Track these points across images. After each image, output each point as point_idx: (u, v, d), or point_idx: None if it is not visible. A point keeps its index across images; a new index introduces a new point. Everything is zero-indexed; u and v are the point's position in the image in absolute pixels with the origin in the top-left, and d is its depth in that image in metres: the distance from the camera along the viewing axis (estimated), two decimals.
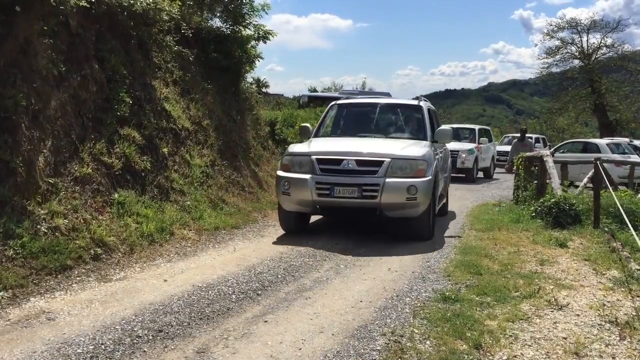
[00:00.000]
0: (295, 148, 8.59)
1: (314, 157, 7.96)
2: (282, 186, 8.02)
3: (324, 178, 7.78)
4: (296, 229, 8.47)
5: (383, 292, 5.46)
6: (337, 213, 8.46)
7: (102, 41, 8.15)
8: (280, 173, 8.23)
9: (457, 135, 18.77)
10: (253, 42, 13.15)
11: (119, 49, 8.55)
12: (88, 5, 7.29)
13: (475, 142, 19.85)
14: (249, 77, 14.80)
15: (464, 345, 4.04)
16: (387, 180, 7.59)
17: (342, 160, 7.80)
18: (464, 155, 18.49)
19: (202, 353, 3.88)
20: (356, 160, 7.76)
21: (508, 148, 19.33)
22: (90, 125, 7.45)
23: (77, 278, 5.54)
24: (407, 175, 7.68)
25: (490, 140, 21.59)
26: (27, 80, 6.37)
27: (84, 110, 7.39)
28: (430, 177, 7.84)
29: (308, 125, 9.72)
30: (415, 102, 9.94)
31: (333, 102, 10.38)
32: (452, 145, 15.44)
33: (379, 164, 7.71)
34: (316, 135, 9.38)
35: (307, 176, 7.81)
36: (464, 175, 18.85)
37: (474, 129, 21.32)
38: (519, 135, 16.91)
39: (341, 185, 7.68)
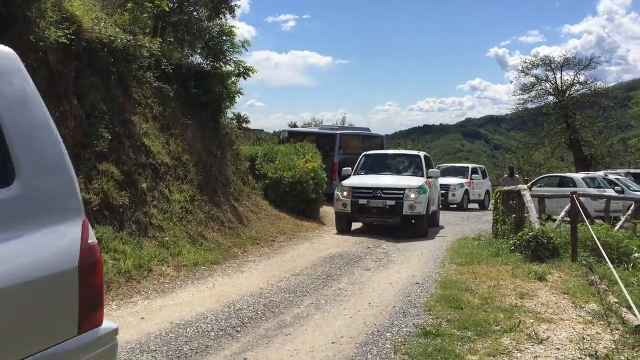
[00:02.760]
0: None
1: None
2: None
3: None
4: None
5: (364, 327, 5.42)
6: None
7: (82, 77, 8.16)
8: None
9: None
10: (233, 78, 13.28)
11: (98, 84, 8.56)
12: (68, 42, 7.31)
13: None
14: (230, 113, 14.94)
15: None
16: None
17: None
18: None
19: None
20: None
21: None
22: None
23: None
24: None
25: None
26: None
27: None
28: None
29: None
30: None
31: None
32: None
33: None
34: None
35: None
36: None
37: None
38: (508, 172, 20.85)
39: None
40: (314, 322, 5.59)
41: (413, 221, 12.84)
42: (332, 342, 4.92)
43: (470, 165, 25.23)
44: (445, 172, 22.58)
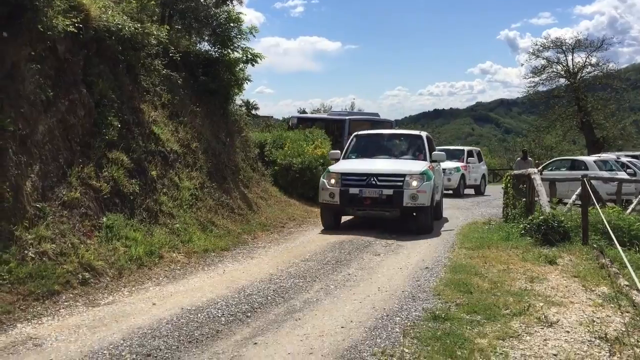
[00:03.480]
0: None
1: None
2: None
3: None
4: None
5: (373, 311, 5.44)
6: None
7: (90, 66, 8.18)
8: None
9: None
10: (241, 65, 13.24)
11: (107, 73, 8.58)
12: (76, 31, 7.32)
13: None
14: (238, 100, 14.90)
15: None
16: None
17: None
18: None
19: None
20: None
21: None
22: (79, 149, 7.44)
23: (65, 303, 5.49)
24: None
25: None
26: (15, 106, 6.37)
27: (72, 135, 7.39)
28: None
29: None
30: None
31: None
32: (386, 166, 17.63)
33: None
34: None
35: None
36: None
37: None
38: (521, 155, 21.18)
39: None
40: (323, 307, 5.62)
41: (415, 214, 10.91)
42: (342, 327, 4.95)
43: (466, 148, 23.71)
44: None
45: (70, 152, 7.27)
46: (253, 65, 13.37)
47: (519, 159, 20.70)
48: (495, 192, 20.70)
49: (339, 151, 12.46)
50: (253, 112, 17.11)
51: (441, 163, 13.87)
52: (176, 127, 10.48)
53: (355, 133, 13.27)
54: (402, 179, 10.68)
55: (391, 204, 10.62)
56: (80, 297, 5.72)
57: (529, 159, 20.05)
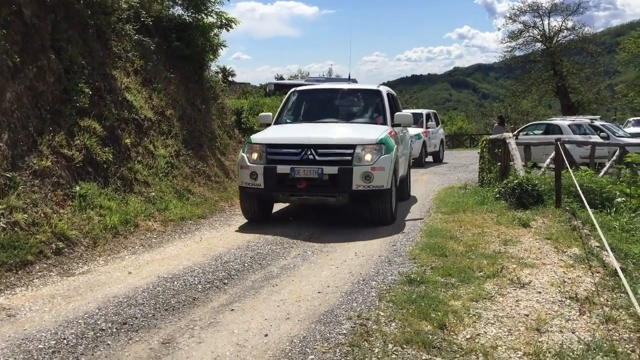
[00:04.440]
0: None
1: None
2: None
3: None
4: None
5: (349, 276, 5.49)
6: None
7: (59, 31, 7.95)
8: None
9: (332, 110, 18.05)
10: (216, 30, 13.00)
11: (76, 38, 8.35)
12: None
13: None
14: (214, 66, 14.67)
15: (429, 326, 4.08)
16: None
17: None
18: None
19: (167, 344, 3.85)
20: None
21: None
22: (49, 117, 7.28)
23: (39, 273, 5.43)
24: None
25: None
26: None
27: (41, 102, 7.22)
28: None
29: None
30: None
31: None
32: (329, 133, 13.53)
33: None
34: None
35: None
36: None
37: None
38: (497, 120, 21.31)
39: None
40: (300, 273, 5.65)
41: (370, 201, 8.03)
42: (318, 292, 4.99)
43: (424, 111, 21.69)
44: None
45: (40, 120, 7.10)
46: (228, 30, 13.15)
47: (496, 124, 21.02)
48: (471, 157, 20.83)
49: (270, 114, 9.60)
50: (230, 78, 16.92)
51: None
52: (150, 94, 10.30)
53: (294, 89, 10.31)
54: (352, 151, 7.77)
55: (336, 187, 7.71)
56: (55, 267, 5.67)
57: (506, 124, 20.33)
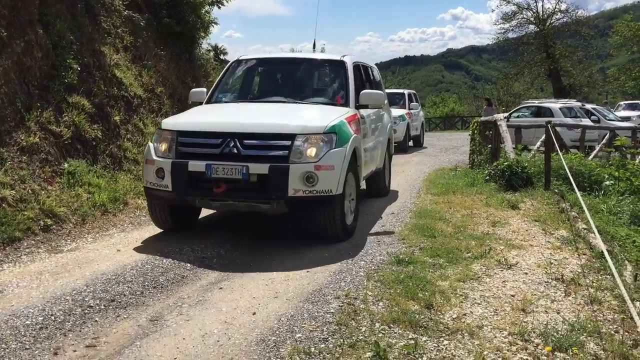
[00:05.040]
0: None
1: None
2: None
3: None
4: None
5: (338, 256, 5.50)
6: None
7: (47, 5, 7.83)
8: None
9: (281, 86, 15.50)
10: (207, 7, 12.88)
11: (64, 13, 8.24)
12: None
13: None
14: (205, 44, 14.56)
15: (416, 306, 4.11)
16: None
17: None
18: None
19: (155, 321, 3.86)
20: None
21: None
22: (37, 92, 7.20)
23: (27, 250, 5.41)
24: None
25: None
26: None
27: (29, 78, 7.13)
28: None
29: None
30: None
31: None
32: (262, 118, 10.47)
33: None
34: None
35: None
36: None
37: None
38: (486, 103, 21.45)
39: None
40: (287, 253, 5.66)
41: (310, 209, 5.82)
42: (307, 271, 5.00)
43: (406, 91, 19.70)
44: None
45: (27, 95, 7.02)
46: (219, 7, 13.07)
47: (485, 106, 21.27)
48: (462, 139, 20.84)
49: (204, 89, 7.38)
50: (221, 57, 16.74)
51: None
52: (140, 71, 10.20)
53: (238, 57, 7.97)
54: (289, 143, 5.61)
55: (265, 191, 5.56)
56: (42, 243, 5.64)
57: (494, 106, 20.46)
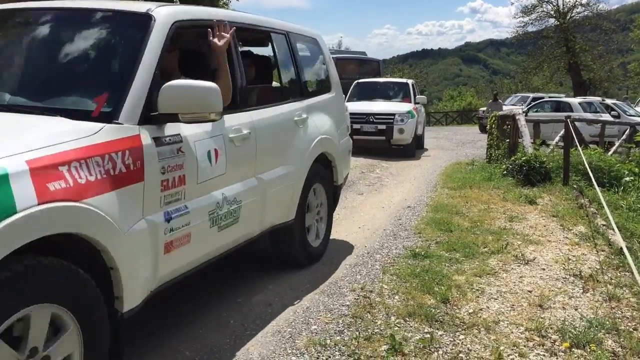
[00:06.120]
0: None
1: None
2: None
3: None
4: None
5: (354, 249, 5.50)
6: None
7: None
8: None
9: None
10: (225, 0, 12.88)
11: None
12: None
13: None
14: None
15: (432, 300, 4.11)
16: None
17: None
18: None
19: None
20: None
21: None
22: None
23: None
24: None
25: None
26: None
27: None
28: None
29: None
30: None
31: None
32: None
33: None
34: None
35: None
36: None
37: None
38: (492, 97, 21.31)
39: None
40: None
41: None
42: (322, 264, 5.01)
43: (410, 81, 15.82)
44: (370, 92, 14.99)
45: None
46: (237, 0, 13.03)
47: (490, 101, 21.69)
48: (479, 133, 20.69)
49: None
50: None
51: (384, 105, 13.99)
52: None
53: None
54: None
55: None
56: None
57: (499, 101, 20.79)
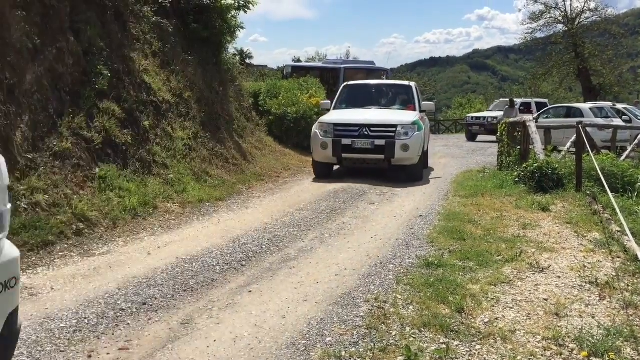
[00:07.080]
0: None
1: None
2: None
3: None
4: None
5: (367, 259, 5.48)
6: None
7: (77, 13, 7.97)
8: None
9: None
10: (233, 12, 12.95)
11: (94, 20, 8.36)
12: None
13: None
14: (231, 48, 14.64)
15: (447, 310, 4.07)
16: None
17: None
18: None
19: (186, 324, 3.89)
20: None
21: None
22: (68, 99, 7.32)
23: (60, 253, 5.50)
24: None
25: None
26: (1, 54, 6.23)
27: (61, 84, 7.26)
28: None
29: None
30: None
31: None
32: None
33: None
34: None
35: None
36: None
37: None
38: (509, 104, 20.47)
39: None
40: (317, 256, 5.66)
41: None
42: (336, 275, 4.99)
43: (413, 84, 13.13)
44: (363, 98, 12.52)
45: (59, 101, 7.15)
46: (246, 12, 13.12)
47: (506, 107, 21.14)
48: (489, 141, 20.59)
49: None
50: (247, 61, 16.89)
51: (380, 114, 11.53)
52: (168, 77, 10.31)
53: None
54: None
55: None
56: (75, 247, 5.73)
57: (516, 107, 20.35)
